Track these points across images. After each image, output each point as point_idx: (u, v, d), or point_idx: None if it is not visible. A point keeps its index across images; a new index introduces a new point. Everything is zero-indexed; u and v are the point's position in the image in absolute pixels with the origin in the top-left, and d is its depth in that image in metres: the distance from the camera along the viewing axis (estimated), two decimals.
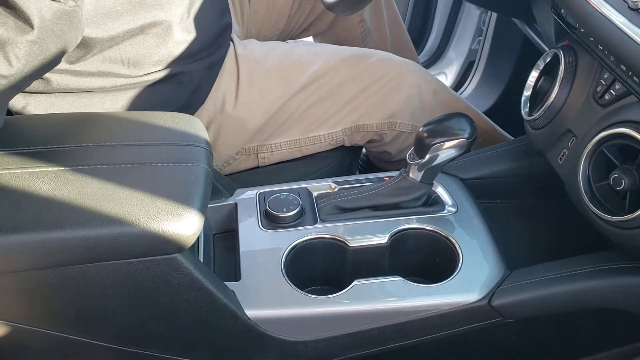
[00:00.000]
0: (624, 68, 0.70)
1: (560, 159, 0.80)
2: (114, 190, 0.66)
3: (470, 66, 1.65)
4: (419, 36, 1.74)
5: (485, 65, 1.58)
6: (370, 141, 1.07)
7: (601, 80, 0.75)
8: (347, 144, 1.06)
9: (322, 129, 1.02)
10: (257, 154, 1.04)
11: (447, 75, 1.71)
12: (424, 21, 1.72)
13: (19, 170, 0.67)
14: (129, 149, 0.72)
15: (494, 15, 1.52)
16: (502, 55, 1.51)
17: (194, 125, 0.76)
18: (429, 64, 1.73)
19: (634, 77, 0.68)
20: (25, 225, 0.63)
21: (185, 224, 0.64)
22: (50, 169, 0.67)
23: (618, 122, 0.70)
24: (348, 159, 1.10)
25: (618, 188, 0.69)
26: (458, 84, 1.66)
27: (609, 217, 0.69)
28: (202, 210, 0.66)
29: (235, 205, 0.86)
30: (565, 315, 0.77)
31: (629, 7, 0.67)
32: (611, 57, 0.72)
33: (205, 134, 0.76)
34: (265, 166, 1.05)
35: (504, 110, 1.27)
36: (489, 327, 0.76)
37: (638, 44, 0.64)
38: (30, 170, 0.67)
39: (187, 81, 0.94)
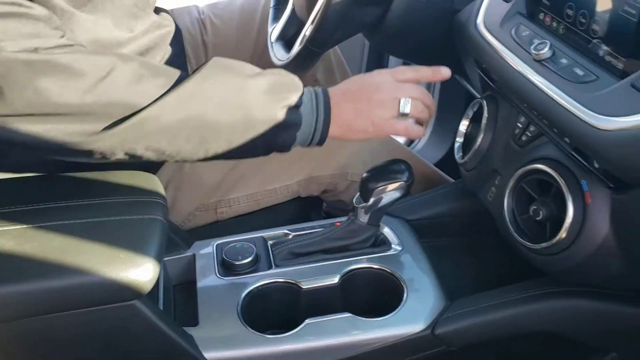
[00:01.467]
0: (535, 112, 0.78)
1: (490, 196, 0.87)
2: (73, 244, 0.71)
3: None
4: None
5: (435, 119, 1.69)
6: (325, 191, 1.14)
7: (518, 124, 0.83)
8: (303, 195, 1.12)
9: (278, 181, 1.09)
10: (216, 209, 1.09)
11: None
12: None
13: None
14: (89, 207, 0.77)
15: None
16: (449, 109, 1.62)
17: (150, 181, 0.82)
18: None
19: (543, 120, 0.77)
20: None
21: (141, 272, 0.69)
22: (12, 227, 0.72)
23: (533, 159, 0.78)
24: (305, 209, 1.16)
25: (537, 218, 0.76)
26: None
27: (532, 246, 0.76)
28: (158, 258, 0.71)
29: (194, 256, 0.92)
30: (505, 341, 0.82)
31: (533, 59, 0.76)
32: (524, 103, 0.80)
33: (161, 189, 0.82)
34: (225, 220, 1.10)
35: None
36: (434, 356, 0.81)
37: (542, 90, 0.73)
38: None
39: None
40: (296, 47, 1.08)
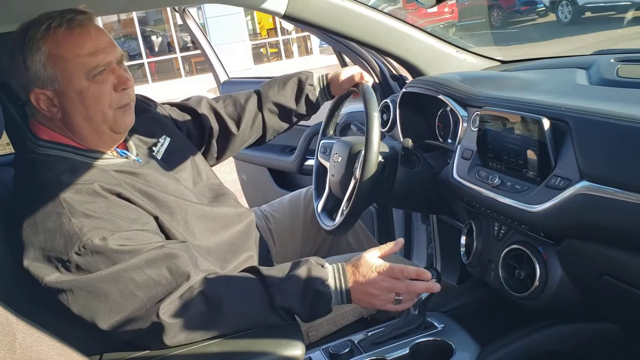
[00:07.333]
0: (502, 216, 1.31)
1: (491, 277, 1.36)
2: (249, 342, 1.16)
3: (430, 265, 2.26)
4: None
5: (441, 262, 2.19)
6: (379, 310, 1.59)
7: (495, 228, 1.36)
8: (365, 315, 1.57)
9: (348, 305, 1.54)
10: (308, 334, 1.53)
11: None
12: (388, 238, 2.37)
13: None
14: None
15: (436, 227, 2.16)
16: (449, 252, 2.12)
17: None
18: None
19: (508, 219, 1.29)
20: None
21: (295, 349, 1.14)
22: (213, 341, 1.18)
23: (509, 244, 1.29)
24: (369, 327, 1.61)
25: (520, 278, 1.25)
26: None
27: (522, 295, 1.24)
28: (303, 341, 1.16)
29: (310, 358, 1.35)
30: None
31: (492, 186, 1.30)
32: (494, 214, 1.33)
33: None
34: (314, 342, 1.53)
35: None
36: None
37: (502, 202, 1.26)
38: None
39: None
40: (338, 218, 1.63)
